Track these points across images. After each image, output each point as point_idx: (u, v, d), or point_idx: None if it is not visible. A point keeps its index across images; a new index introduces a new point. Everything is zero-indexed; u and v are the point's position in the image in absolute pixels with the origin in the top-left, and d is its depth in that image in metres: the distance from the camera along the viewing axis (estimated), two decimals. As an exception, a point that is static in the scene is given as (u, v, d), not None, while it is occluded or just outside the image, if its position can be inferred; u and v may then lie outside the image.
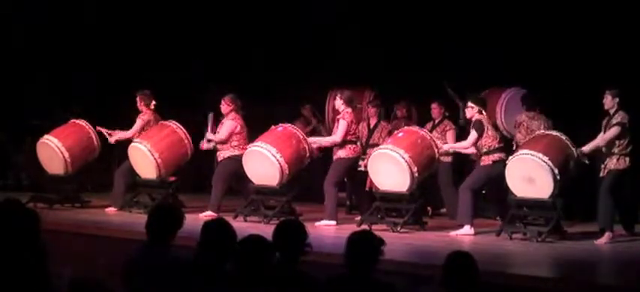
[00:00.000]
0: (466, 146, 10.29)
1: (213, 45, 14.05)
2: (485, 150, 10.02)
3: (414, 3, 12.66)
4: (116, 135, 11.72)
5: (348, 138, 10.65)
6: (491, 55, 11.94)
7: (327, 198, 10.68)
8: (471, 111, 10.17)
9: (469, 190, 9.98)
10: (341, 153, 10.69)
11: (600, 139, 9.67)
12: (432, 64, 12.35)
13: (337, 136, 10.65)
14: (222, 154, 11.18)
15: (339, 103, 10.76)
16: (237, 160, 10.93)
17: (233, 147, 11.11)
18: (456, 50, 12.16)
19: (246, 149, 10.89)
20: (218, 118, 11.34)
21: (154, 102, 11.77)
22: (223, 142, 11.14)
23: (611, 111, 9.65)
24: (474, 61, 11.95)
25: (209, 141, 11.28)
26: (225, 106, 11.20)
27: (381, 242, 4.98)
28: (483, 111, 10.15)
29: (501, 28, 11.95)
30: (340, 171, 10.77)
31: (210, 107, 11.61)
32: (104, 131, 11.76)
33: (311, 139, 11.10)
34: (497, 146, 10.03)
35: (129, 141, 11.59)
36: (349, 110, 10.70)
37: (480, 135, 10.01)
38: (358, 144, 10.85)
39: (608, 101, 9.65)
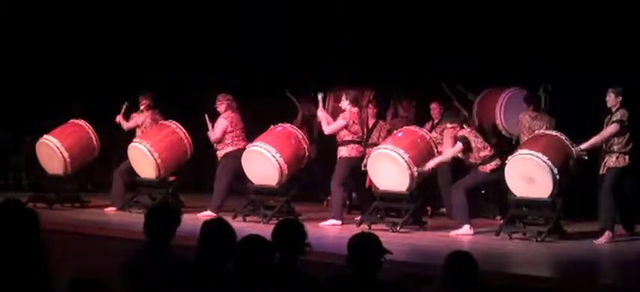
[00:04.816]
0: (450, 155, 10.18)
1: (212, 44, 14.04)
2: (479, 162, 9.98)
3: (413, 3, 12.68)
4: (125, 124, 11.87)
5: (351, 138, 10.66)
6: (489, 54, 11.95)
7: (333, 198, 10.69)
8: (452, 131, 10.12)
9: (462, 190, 9.96)
10: (343, 152, 10.72)
11: (598, 136, 9.64)
12: (429, 64, 12.36)
13: (330, 127, 10.69)
14: (219, 153, 11.26)
15: (345, 104, 10.77)
16: (234, 156, 10.99)
17: (226, 144, 11.15)
18: (455, 48, 12.17)
19: (240, 145, 10.98)
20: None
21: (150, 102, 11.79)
22: (219, 141, 11.18)
23: (614, 109, 9.62)
24: (469, 57, 11.97)
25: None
26: (219, 104, 11.26)
27: (385, 251, 4.94)
28: (465, 125, 10.15)
29: (499, 27, 11.97)
30: (345, 171, 10.78)
31: (209, 106, 11.61)
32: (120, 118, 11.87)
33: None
34: (489, 155, 9.98)
35: (129, 141, 11.59)
36: (354, 110, 10.71)
37: (465, 148, 9.94)
38: (361, 144, 10.84)
39: (611, 99, 9.59)
